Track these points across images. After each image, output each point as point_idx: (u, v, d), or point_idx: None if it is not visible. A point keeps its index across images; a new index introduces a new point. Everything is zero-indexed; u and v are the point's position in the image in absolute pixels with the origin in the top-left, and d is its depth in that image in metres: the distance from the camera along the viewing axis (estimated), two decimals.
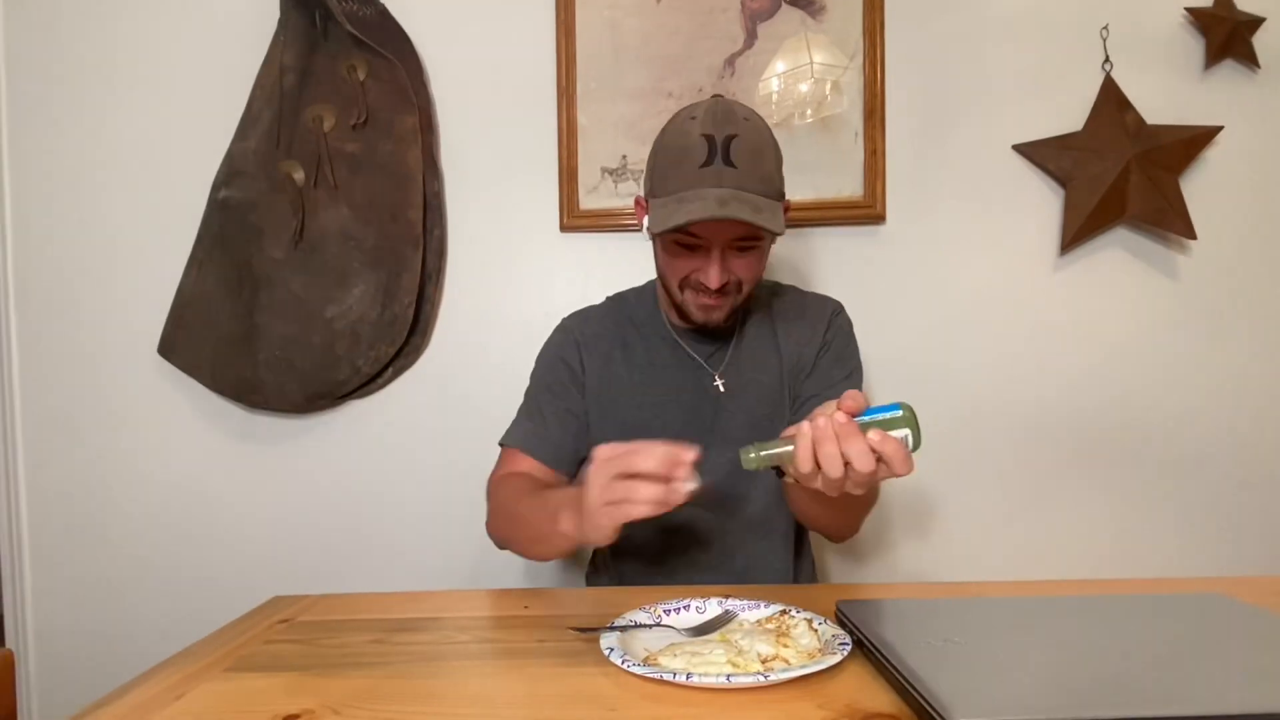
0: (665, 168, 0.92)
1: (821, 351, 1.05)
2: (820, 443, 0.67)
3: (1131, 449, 1.42)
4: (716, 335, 1.05)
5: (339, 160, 1.39)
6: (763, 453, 0.71)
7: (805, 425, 0.68)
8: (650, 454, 0.70)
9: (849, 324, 1.08)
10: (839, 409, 0.68)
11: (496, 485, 1.00)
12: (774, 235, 0.92)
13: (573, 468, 1.04)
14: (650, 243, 1.01)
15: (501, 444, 1.04)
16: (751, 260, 0.94)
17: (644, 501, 0.69)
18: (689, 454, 0.70)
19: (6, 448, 1.47)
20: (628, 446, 0.71)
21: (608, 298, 1.14)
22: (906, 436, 0.68)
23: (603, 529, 0.72)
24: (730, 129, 0.89)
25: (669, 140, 0.94)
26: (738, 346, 1.05)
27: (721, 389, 1.03)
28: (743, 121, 0.90)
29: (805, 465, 0.68)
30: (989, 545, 1.43)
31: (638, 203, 1.02)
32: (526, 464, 1.01)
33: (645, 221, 0.98)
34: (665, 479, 0.69)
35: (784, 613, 0.72)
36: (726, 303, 0.96)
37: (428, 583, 1.43)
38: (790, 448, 0.69)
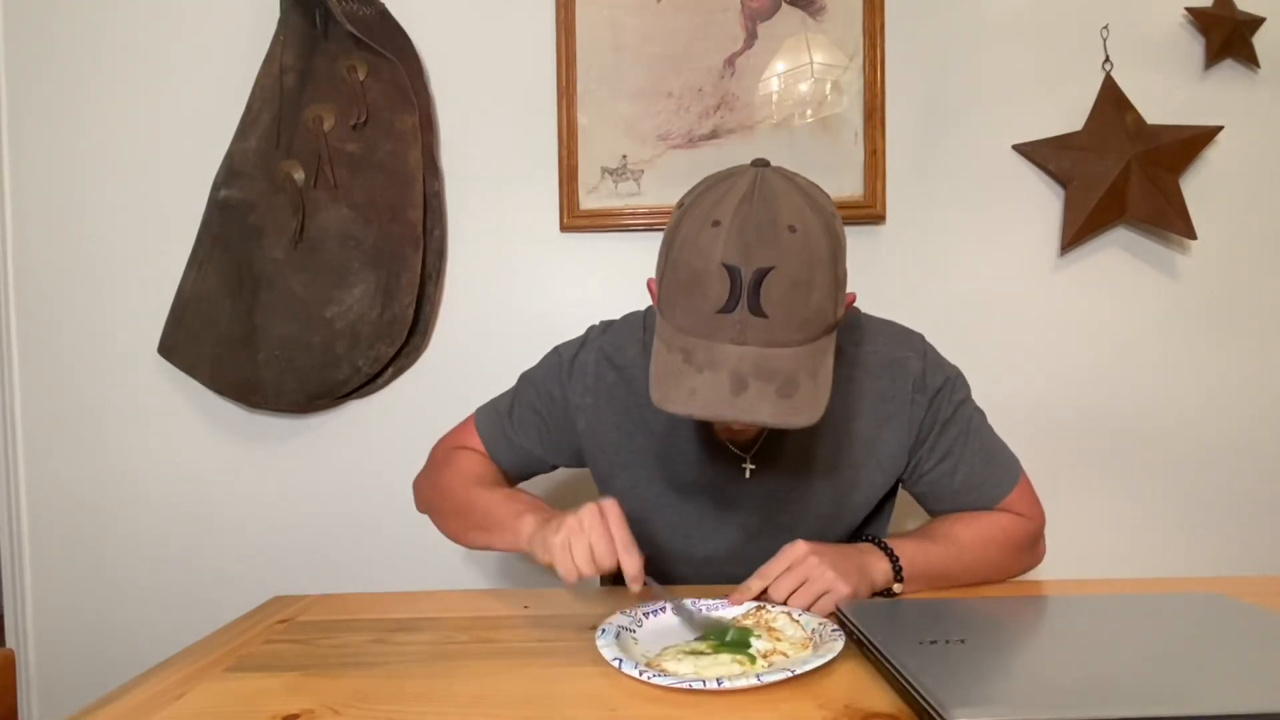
0: (674, 289, 0.68)
1: (926, 441, 0.87)
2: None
3: (1131, 449, 1.42)
4: None
5: (339, 160, 1.39)
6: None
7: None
8: (631, 552, 0.70)
9: (964, 391, 0.91)
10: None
11: (450, 453, 0.95)
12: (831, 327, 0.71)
13: (520, 479, 0.99)
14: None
15: (474, 419, 0.97)
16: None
17: (577, 564, 0.70)
18: (637, 586, 0.70)
19: (7, 447, 1.47)
20: (623, 525, 0.72)
21: (642, 334, 0.91)
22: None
23: (541, 555, 0.74)
24: (763, 258, 0.64)
25: (683, 252, 0.67)
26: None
27: (748, 475, 0.88)
28: (786, 236, 0.65)
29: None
30: None
31: (650, 284, 0.77)
32: (481, 451, 0.96)
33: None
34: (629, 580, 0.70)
35: (760, 608, 0.72)
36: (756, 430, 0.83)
37: (428, 583, 1.43)
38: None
